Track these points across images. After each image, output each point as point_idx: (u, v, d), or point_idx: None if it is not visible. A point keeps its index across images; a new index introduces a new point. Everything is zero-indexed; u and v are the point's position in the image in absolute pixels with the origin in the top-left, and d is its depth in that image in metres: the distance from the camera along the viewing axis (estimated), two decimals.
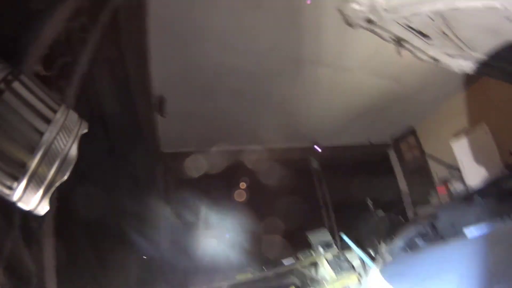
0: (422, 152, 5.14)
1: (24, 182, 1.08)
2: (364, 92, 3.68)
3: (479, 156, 4.09)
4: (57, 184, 1.11)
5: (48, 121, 1.14)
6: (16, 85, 1.10)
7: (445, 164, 4.58)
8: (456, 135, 4.52)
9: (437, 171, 4.75)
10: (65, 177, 1.12)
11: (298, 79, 3.07)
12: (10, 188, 1.07)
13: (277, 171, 3.73)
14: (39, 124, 1.13)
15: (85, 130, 1.19)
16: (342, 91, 3.52)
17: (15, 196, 1.07)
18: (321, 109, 3.75)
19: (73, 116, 1.19)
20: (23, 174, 1.09)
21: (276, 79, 2.97)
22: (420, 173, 4.99)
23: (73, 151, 1.15)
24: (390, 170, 5.46)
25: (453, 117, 4.57)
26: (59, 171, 1.12)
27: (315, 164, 4.22)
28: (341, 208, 4.45)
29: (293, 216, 3.77)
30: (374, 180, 4.70)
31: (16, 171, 1.08)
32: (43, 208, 1.12)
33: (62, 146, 1.15)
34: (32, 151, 1.11)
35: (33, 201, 1.11)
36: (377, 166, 5.34)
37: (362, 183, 4.43)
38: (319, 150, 4.12)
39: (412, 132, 5.26)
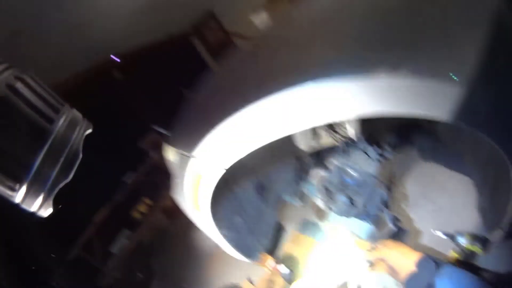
0: (225, 32, 5.14)
1: (26, 183, 1.06)
2: None
3: None
4: (61, 185, 1.09)
5: (51, 121, 1.13)
6: (19, 85, 1.09)
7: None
8: (255, 10, 4.60)
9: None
10: (69, 178, 1.10)
11: None
12: (13, 189, 1.05)
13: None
14: (42, 124, 1.11)
15: (90, 130, 1.18)
16: None
17: (18, 197, 1.05)
18: (106, 16, 3.28)
19: (77, 115, 1.18)
20: (26, 175, 1.07)
21: None
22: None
23: (77, 151, 1.13)
24: (200, 58, 5.41)
25: None
26: (62, 172, 1.10)
27: (118, 75, 3.77)
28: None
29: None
30: (186, 71, 4.46)
31: (18, 172, 1.06)
32: (46, 210, 1.09)
33: (66, 146, 1.13)
34: (35, 151, 1.09)
35: (36, 202, 1.08)
36: (186, 57, 5.12)
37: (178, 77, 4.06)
38: (117, 59, 3.69)
39: (211, 16, 5.16)
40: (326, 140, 1.48)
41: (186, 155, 1.16)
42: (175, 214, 1.50)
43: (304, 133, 1.43)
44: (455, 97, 0.69)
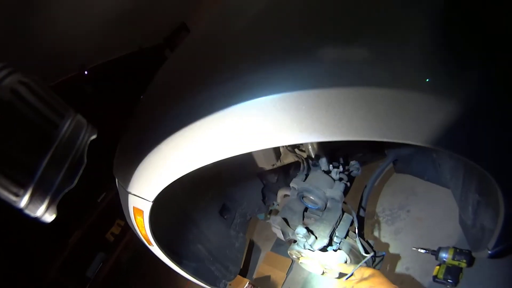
0: None
1: (30, 189, 1.06)
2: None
3: None
4: (65, 191, 1.09)
5: (55, 126, 1.12)
6: (23, 90, 1.07)
7: None
8: None
9: None
10: (74, 184, 1.10)
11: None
12: (17, 195, 1.04)
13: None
14: (47, 129, 1.10)
15: (94, 136, 1.17)
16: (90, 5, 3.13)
17: (22, 203, 1.05)
18: (77, 30, 3.26)
19: (82, 121, 1.17)
20: (30, 181, 1.06)
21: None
22: None
23: (82, 157, 1.13)
24: None
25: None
26: (67, 178, 1.10)
27: (88, 89, 3.75)
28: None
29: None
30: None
31: (22, 177, 1.06)
32: (50, 216, 1.09)
33: (70, 151, 1.12)
34: (39, 157, 1.08)
35: (40, 208, 1.08)
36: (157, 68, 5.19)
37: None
38: (86, 72, 3.74)
39: (183, 27, 5.20)
40: (288, 158, 1.34)
41: (124, 190, 1.08)
42: None
43: (264, 151, 1.30)
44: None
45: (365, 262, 1.10)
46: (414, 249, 1.25)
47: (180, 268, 1.30)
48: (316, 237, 1.10)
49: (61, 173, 1.10)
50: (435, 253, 1.14)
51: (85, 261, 2.80)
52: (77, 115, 1.17)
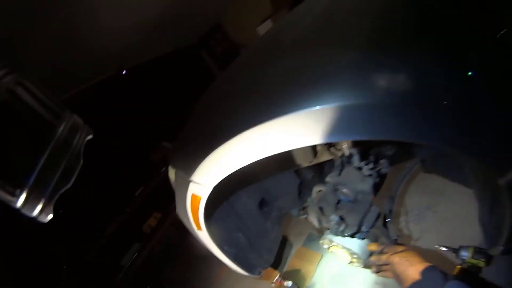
0: (232, 43, 5.22)
1: (27, 189, 1.06)
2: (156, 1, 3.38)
3: None
4: (62, 191, 1.09)
5: (51, 126, 1.13)
6: (20, 91, 1.09)
7: None
8: (262, 22, 4.57)
9: None
10: (70, 184, 1.10)
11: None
12: (13, 194, 1.05)
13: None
14: (43, 129, 1.11)
15: (91, 136, 1.17)
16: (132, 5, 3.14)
17: (18, 202, 1.05)
18: (114, 32, 3.33)
19: (78, 121, 1.18)
20: (27, 181, 1.07)
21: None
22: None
23: (79, 157, 1.13)
24: (207, 69, 5.47)
25: (257, 6, 4.73)
26: (63, 178, 1.10)
27: (127, 88, 3.83)
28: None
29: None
30: (194, 83, 4.44)
31: (19, 177, 1.06)
32: (47, 216, 1.09)
33: (67, 152, 1.13)
34: (36, 157, 1.09)
35: (36, 208, 1.08)
36: (194, 69, 5.16)
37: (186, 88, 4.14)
38: (124, 72, 3.73)
39: (218, 27, 5.27)
40: (324, 156, 1.48)
41: (185, 179, 1.20)
42: (185, 227, 1.53)
43: (303, 149, 1.43)
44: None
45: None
46: (436, 246, 1.26)
47: (223, 253, 1.40)
48: (347, 225, 1.26)
49: (58, 173, 1.11)
50: (456, 251, 1.15)
51: (121, 251, 2.91)
52: (73, 115, 1.17)
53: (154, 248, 3.09)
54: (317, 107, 0.75)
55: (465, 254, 1.12)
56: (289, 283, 1.79)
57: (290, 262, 2.02)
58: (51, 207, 1.10)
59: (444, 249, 1.22)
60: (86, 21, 2.85)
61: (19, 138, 1.06)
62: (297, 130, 0.81)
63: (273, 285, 1.84)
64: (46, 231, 1.84)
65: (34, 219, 1.10)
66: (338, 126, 0.74)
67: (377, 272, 1.12)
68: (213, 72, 5.63)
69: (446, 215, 1.51)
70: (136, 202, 3.06)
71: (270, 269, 1.76)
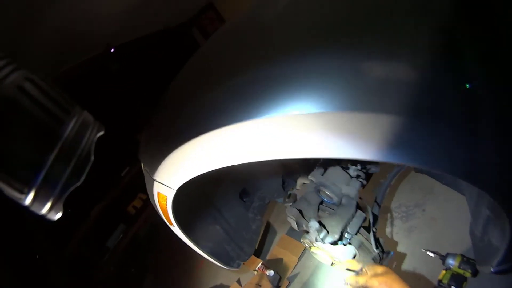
0: (223, 21, 5.17)
1: (36, 186, 1.04)
2: None
3: None
4: (72, 188, 1.07)
5: (61, 122, 1.10)
6: (28, 86, 1.06)
7: None
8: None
9: None
10: (80, 181, 1.08)
11: None
12: (22, 192, 1.02)
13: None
14: (52, 126, 1.09)
15: (102, 133, 1.16)
16: None
17: (27, 200, 1.03)
18: (103, 8, 3.22)
19: (88, 117, 1.15)
20: (35, 178, 1.05)
21: None
22: None
23: (89, 154, 1.11)
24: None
25: None
26: (73, 175, 1.08)
27: (114, 66, 3.75)
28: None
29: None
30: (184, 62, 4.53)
31: (28, 174, 1.04)
32: (56, 213, 1.08)
33: (77, 148, 1.11)
34: (45, 154, 1.06)
35: (45, 206, 1.06)
36: (185, 48, 4.80)
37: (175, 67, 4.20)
38: (112, 50, 3.75)
39: (210, 6, 5.24)
40: None
41: (150, 176, 1.11)
42: None
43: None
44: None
45: (373, 259, 1.12)
46: (424, 251, 1.26)
47: (198, 248, 1.34)
48: (327, 232, 1.13)
49: (68, 170, 1.09)
50: (443, 258, 1.15)
51: (107, 232, 2.86)
52: (83, 111, 1.15)
53: (139, 230, 3.07)
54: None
55: (452, 263, 1.13)
56: (271, 272, 1.81)
57: (273, 251, 2.03)
58: (61, 205, 1.09)
59: (431, 254, 1.24)
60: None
61: (28, 135, 1.03)
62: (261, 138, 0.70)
63: (255, 272, 1.86)
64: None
65: (43, 217, 1.08)
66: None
67: None
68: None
69: (435, 215, 1.53)
70: (122, 182, 3.01)
71: (252, 257, 1.72)
